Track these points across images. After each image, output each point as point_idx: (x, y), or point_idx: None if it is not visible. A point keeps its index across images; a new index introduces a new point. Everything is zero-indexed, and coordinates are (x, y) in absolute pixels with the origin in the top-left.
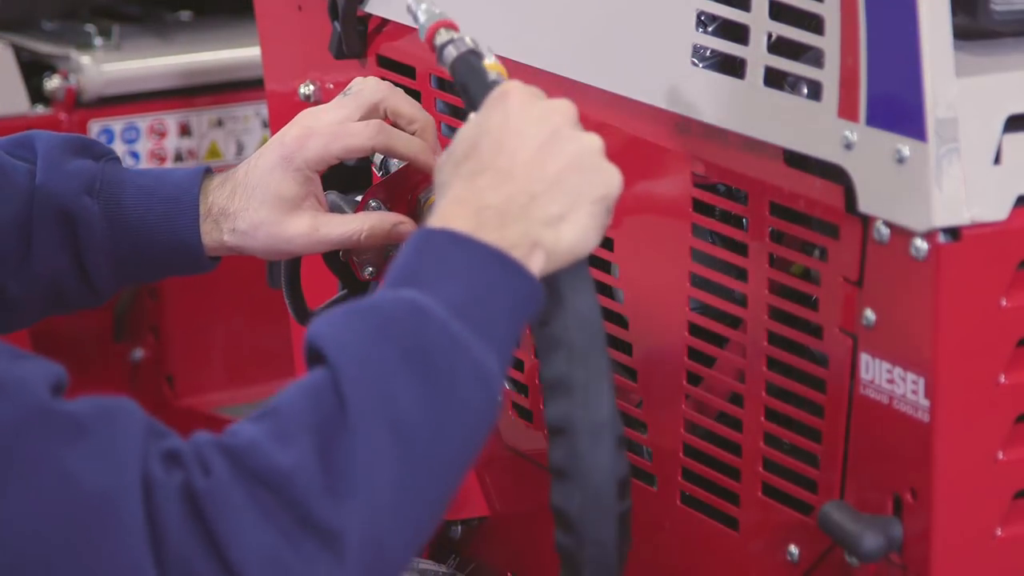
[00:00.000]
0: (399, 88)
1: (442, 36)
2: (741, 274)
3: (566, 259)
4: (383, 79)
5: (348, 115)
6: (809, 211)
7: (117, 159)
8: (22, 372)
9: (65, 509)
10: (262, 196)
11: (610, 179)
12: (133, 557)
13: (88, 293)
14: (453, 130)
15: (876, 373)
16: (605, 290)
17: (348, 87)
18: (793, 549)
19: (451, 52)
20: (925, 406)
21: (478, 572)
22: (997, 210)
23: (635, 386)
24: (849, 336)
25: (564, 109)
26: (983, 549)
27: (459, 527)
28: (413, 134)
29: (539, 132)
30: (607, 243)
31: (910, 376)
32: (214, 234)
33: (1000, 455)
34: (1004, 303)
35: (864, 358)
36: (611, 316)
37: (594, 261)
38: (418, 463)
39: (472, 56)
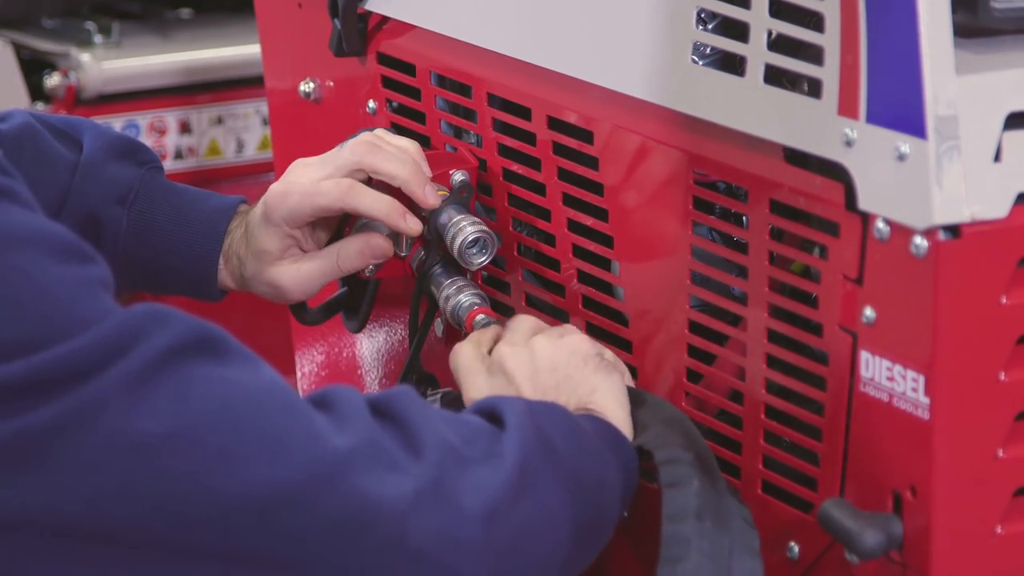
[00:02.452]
0: (380, 145)
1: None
2: (741, 272)
3: (623, 408)
4: (382, 76)
5: (328, 175)
6: (809, 209)
7: (160, 168)
8: (159, 306)
9: (238, 401)
10: (253, 248)
11: (573, 348)
12: (314, 425)
13: None
14: (452, 128)
15: (876, 371)
16: (606, 287)
17: (342, 143)
18: (793, 546)
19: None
20: (925, 404)
21: None
22: (997, 208)
23: (636, 383)
24: (849, 334)
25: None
26: (983, 546)
27: None
28: (399, 187)
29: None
30: (607, 240)
31: (910, 374)
32: (230, 275)
33: (1000, 453)
34: (1004, 301)
35: (864, 356)
36: (611, 314)
37: (594, 259)
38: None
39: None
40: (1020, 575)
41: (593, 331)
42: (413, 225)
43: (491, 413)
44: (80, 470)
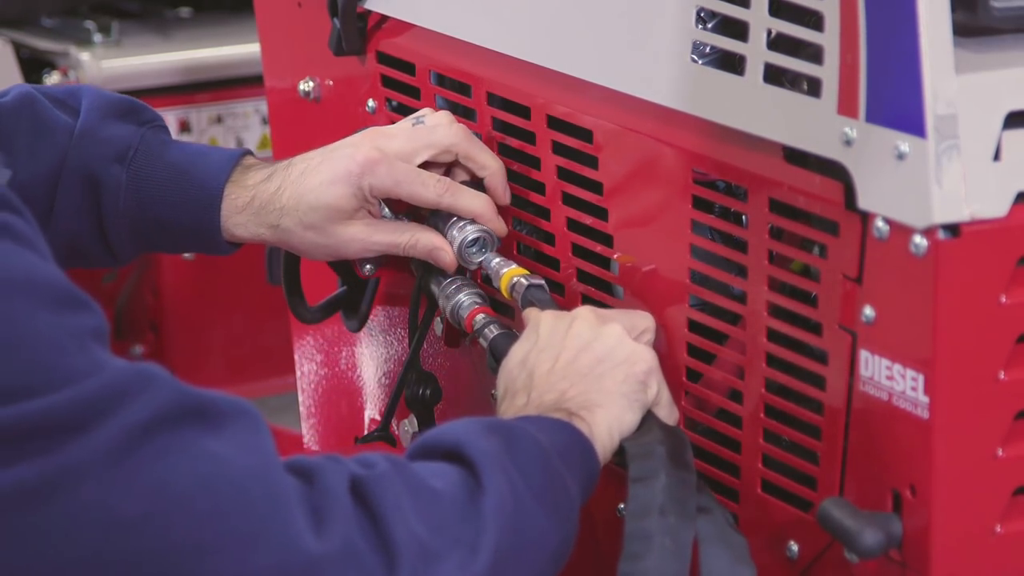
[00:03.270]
0: (472, 133)
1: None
2: (741, 271)
3: (611, 437)
4: (382, 75)
5: (417, 150)
6: (809, 208)
7: (162, 127)
8: (147, 366)
9: (219, 484)
10: (315, 202)
11: (633, 361)
12: (292, 524)
13: (107, 255)
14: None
15: (875, 370)
16: (605, 287)
17: (419, 115)
18: (793, 546)
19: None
20: (924, 403)
21: None
22: (997, 206)
23: None
24: (848, 333)
25: (584, 315)
26: (982, 546)
27: None
28: (482, 179)
29: (564, 344)
30: (606, 239)
31: (909, 373)
32: (251, 227)
33: (999, 452)
34: (1004, 300)
35: (863, 355)
36: None
37: (594, 257)
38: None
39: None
40: (1019, 574)
41: None
42: (504, 226)
43: (464, 460)
44: (50, 536)
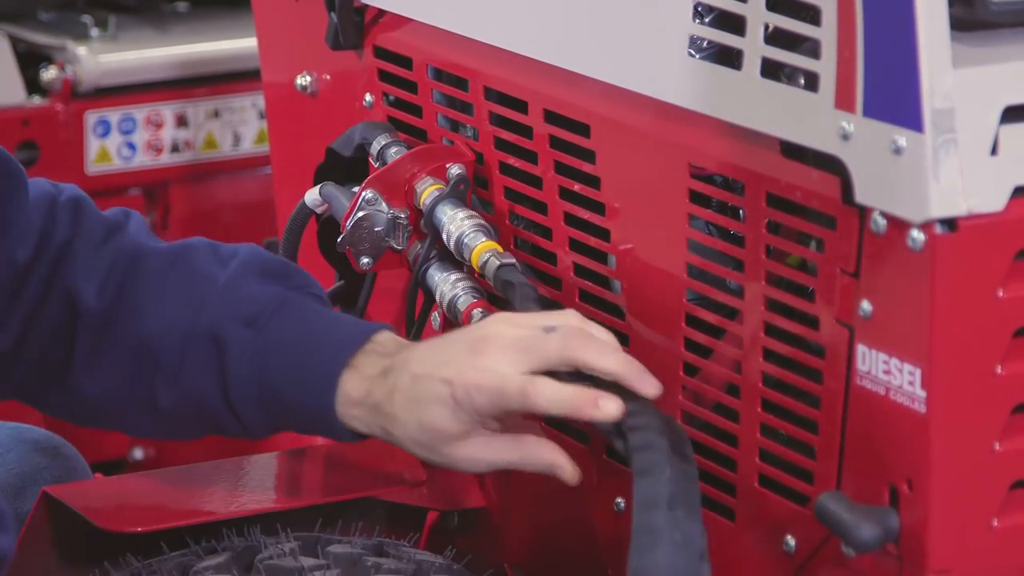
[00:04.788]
0: (596, 334)
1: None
2: (738, 265)
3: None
4: (379, 70)
5: (530, 366)
6: (806, 202)
7: (313, 295)
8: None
9: None
10: (426, 423)
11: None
12: None
13: (235, 424)
14: (449, 121)
15: (872, 364)
16: (602, 281)
17: (549, 321)
18: (790, 540)
19: None
20: (922, 397)
21: (475, 563)
22: (994, 201)
23: None
24: (846, 327)
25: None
26: (979, 540)
27: (456, 517)
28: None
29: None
30: (603, 234)
31: (907, 367)
32: (368, 424)
33: (997, 446)
34: (1001, 294)
35: (861, 349)
36: (607, 307)
37: (590, 252)
38: None
39: None
40: (1016, 568)
41: None
42: (610, 408)
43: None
44: None
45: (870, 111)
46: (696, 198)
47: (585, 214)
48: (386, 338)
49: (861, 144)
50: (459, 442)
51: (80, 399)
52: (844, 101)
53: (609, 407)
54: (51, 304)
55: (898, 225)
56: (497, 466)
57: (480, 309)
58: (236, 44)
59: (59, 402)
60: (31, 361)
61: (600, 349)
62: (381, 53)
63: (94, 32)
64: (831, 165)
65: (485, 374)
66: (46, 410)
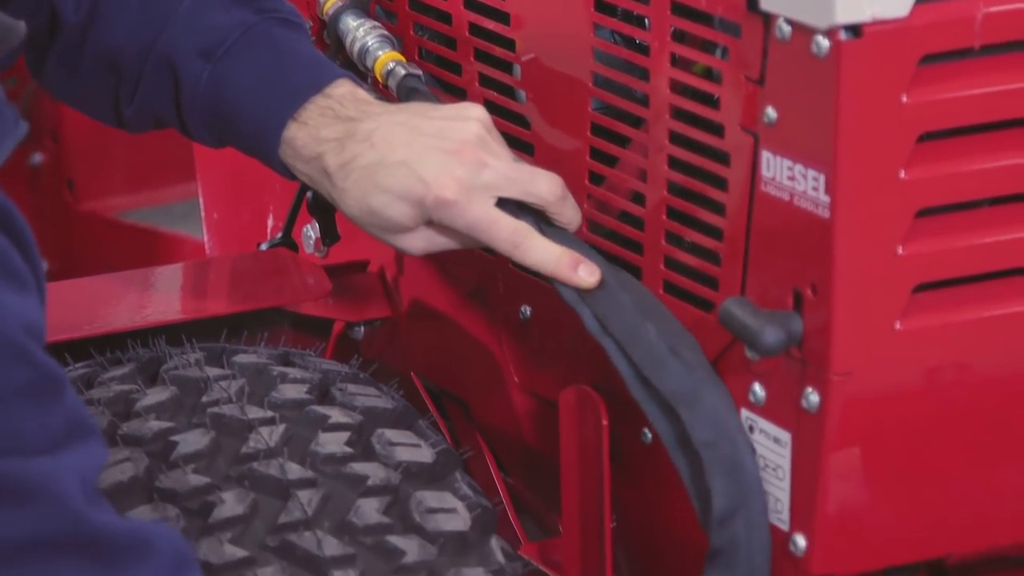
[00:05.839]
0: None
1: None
2: (643, 74)
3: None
4: None
5: (509, 192)
6: (711, 10)
7: (283, 20)
8: (56, 469)
9: None
10: (379, 210)
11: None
12: None
13: (193, 138)
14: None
15: (777, 170)
16: (507, 91)
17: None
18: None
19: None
20: (825, 202)
21: (380, 372)
22: (898, 6)
23: None
24: (750, 134)
25: None
26: (882, 342)
27: (361, 328)
28: None
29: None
30: (508, 44)
31: (811, 172)
32: (314, 183)
33: (900, 250)
34: (905, 99)
35: (765, 155)
36: (512, 117)
37: (495, 62)
38: None
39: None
40: (918, 369)
41: None
42: (587, 276)
43: None
44: None
45: None
46: (601, 7)
47: (490, 24)
48: (343, 93)
49: None
50: (404, 233)
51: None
52: None
53: (587, 276)
54: (37, 17)
55: (803, 32)
56: (449, 248)
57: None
58: None
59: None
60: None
61: (576, 210)
62: None
63: None
64: None
65: (476, 206)
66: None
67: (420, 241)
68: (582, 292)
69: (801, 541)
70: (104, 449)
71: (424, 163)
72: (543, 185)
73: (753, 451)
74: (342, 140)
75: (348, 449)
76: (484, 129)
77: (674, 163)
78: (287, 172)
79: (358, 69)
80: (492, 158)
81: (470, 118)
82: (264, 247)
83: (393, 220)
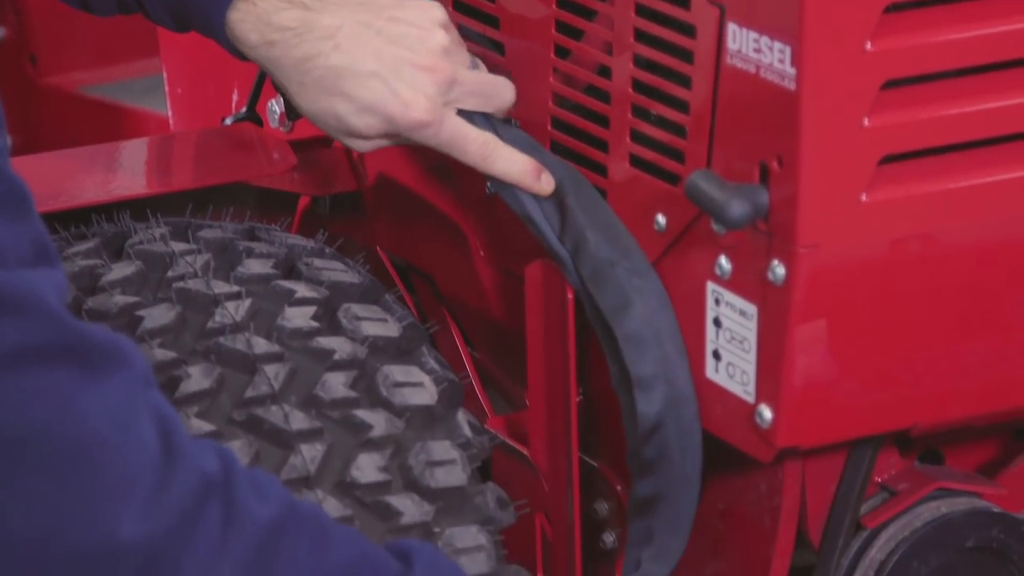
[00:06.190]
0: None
1: None
2: None
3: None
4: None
5: (475, 103)
6: None
7: None
8: (38, 279)
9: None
10: (343, 116)
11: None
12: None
13: (150, 16)
14: None
15: (743, 42)
16: None
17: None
18: (660, 218)
19: None
20: (792, 74)
21: (346, 247)
22: None
23: (502, 60)
24: (716, 6)
25: None
26: (848, 214)
27: (327, 202)
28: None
29: None
30: None
31: (777, 44)
32: (269, 70)
33: (866, 122)
34: None
35: (731, 27)
36: None
37: None
38: None
39: None
40: (883, 240)
41: (461, 9)
42: (547, 185)
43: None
44: None
45: None
46: None
47: None
48: None
49: None
50: (360, 139)
51: None
52: None
53: (546, 185)
54: None
55: None
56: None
57: None
58: None
59: None
60: None
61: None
62: None
63: None
64: None
65: (448, 125)
66: None
67: (373, 145)
68: (539, 199)
69: (767, 413)
70: (67, 280)
71: (397, 79)
72: (506, 96)
73: (687, 360)
74: (299, 32)
75: (314, 323)
76: (447, 35)
77: (640, 36)
78: (238, 53)
79: None
80: (459, 70)
81: (435, 24)
82: (228, 122)
83: (355, 128)
